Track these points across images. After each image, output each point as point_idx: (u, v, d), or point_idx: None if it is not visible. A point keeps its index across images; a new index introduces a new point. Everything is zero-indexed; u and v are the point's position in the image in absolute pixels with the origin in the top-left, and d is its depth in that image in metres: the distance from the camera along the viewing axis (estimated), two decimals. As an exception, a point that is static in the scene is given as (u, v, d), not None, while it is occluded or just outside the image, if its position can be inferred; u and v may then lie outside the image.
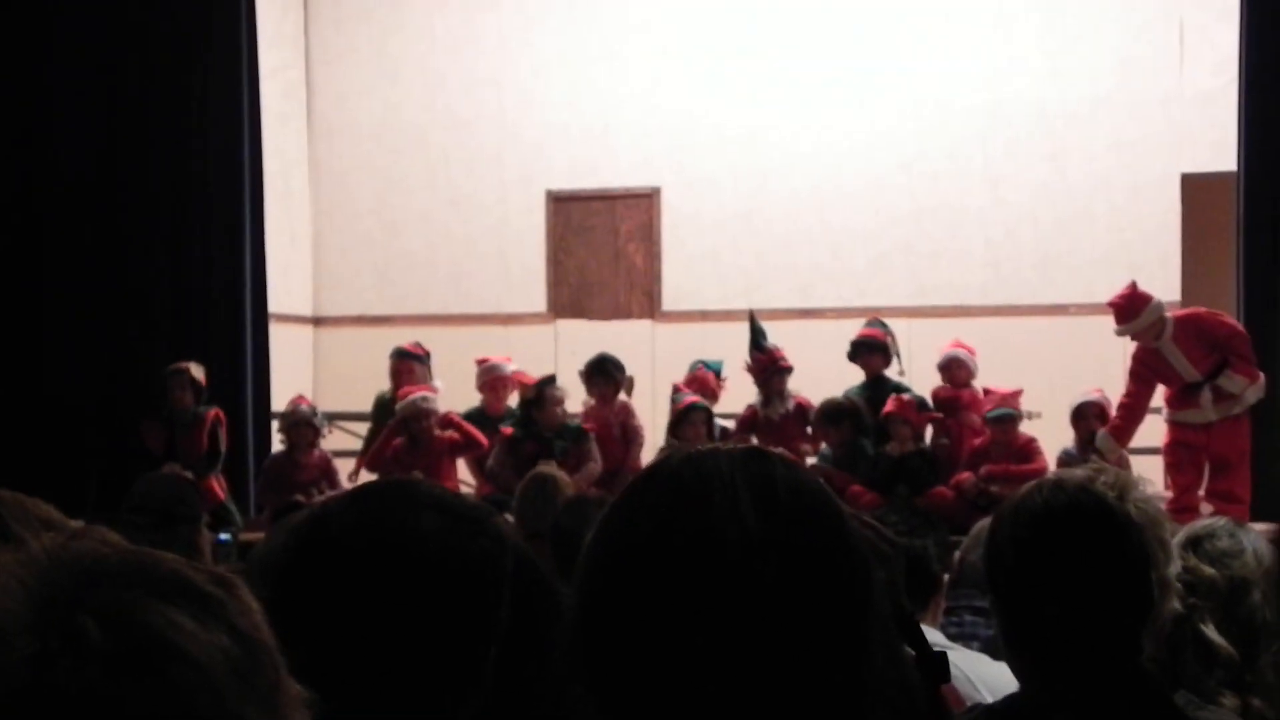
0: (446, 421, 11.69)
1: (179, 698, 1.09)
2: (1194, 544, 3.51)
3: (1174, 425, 11.13)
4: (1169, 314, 11.03)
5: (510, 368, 12.35)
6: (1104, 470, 2.98)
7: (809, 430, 11.73)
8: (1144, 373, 11.11)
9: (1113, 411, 11.15)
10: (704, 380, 12.02)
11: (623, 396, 12.11)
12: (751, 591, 1.51)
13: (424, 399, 11.60)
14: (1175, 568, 3.00)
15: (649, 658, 1.52)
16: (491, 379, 12.32)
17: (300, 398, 12.21)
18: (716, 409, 11.96)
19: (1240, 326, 11.05)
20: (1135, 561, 2.80)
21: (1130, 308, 10.94)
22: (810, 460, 11.67)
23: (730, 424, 12.05)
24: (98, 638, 1.08)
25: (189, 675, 1.11)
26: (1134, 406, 11.13)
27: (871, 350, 11.88)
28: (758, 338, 12.08)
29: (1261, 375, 10.82)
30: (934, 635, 4.25)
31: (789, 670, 1.51)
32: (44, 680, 1.06)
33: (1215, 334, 10.87)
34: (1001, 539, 2.91)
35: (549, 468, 8.79)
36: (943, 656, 2.03)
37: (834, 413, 11.40)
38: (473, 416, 12.25)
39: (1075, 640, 2.78)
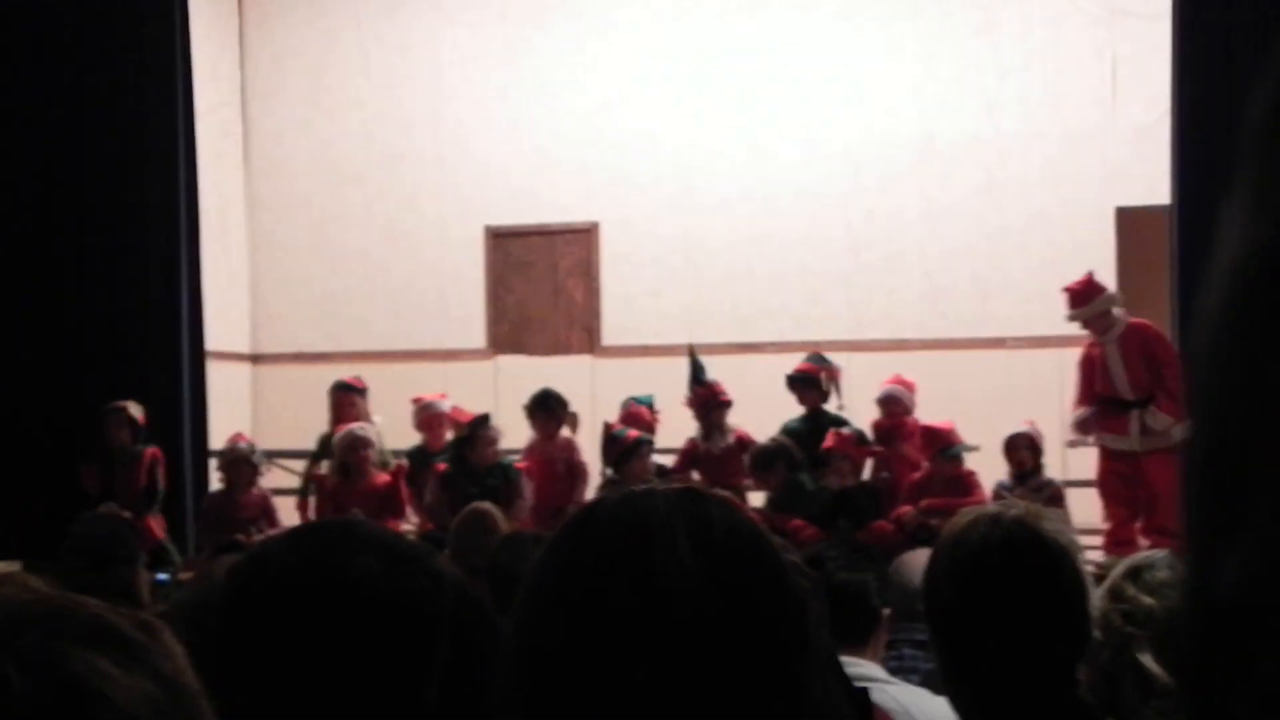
0: (396, 470, 11.68)
1: None
2: (1133, 574, 3.53)
3: (1104, 453, 11.23)
4: (1123, 314, 11.17)
5: (446, 405, 12.33)
6: (1013, 504, 3.01)
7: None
8: (1086, 370, 11.26)
9: (1043, 444, 11.26)
10: (638, 415, 12.02)
11: (566, 432, 12.10)
12: (690, 630, 1.51)
13: (361, 428, 11.58)
14: (1100, 589, 3.03)
15: (588, 695, 1.52)
16: (427, 417, 12.29)
17: (239, 435, 12.16)
18: (656, 444, 11.98)
19: (1176, 355, 11.15)
20: (1071, 591, 2.83)
21: (1083, 294, 11.18)
22: (754, 497, 11.70)
23: (669, 460, 12.05)
24: (19, 685, 1.08)
25: (113, 719, 1.10)
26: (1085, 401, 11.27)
27: (806, 385, 11.93)
28: (697, 372, 12.13)
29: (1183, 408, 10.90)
30: (873, 670, 4.25)
31: (727, 706, 1.52)
32: None
33: (1158, 354, 11.00)
34: (940, 574, 2.92)
35: (483, 505, 8.76)
36: (863, 693, 2.04)
37: (764, 458, 11.42)
38: (413, 454, 12.23)
39: (1014, 673, 2.80)
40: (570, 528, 1.64)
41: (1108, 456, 11.26)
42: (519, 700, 1.58)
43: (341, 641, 1.89)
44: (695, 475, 11.97)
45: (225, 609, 1.97)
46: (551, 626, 1.57)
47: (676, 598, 1.52)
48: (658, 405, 12.23)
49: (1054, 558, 2.82)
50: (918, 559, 5.32)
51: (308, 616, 1.91)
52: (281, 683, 1.89)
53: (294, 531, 2.11)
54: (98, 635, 1.14)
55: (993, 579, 2.82)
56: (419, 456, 12.18)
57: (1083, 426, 11.33)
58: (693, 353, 12.29)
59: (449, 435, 12.19)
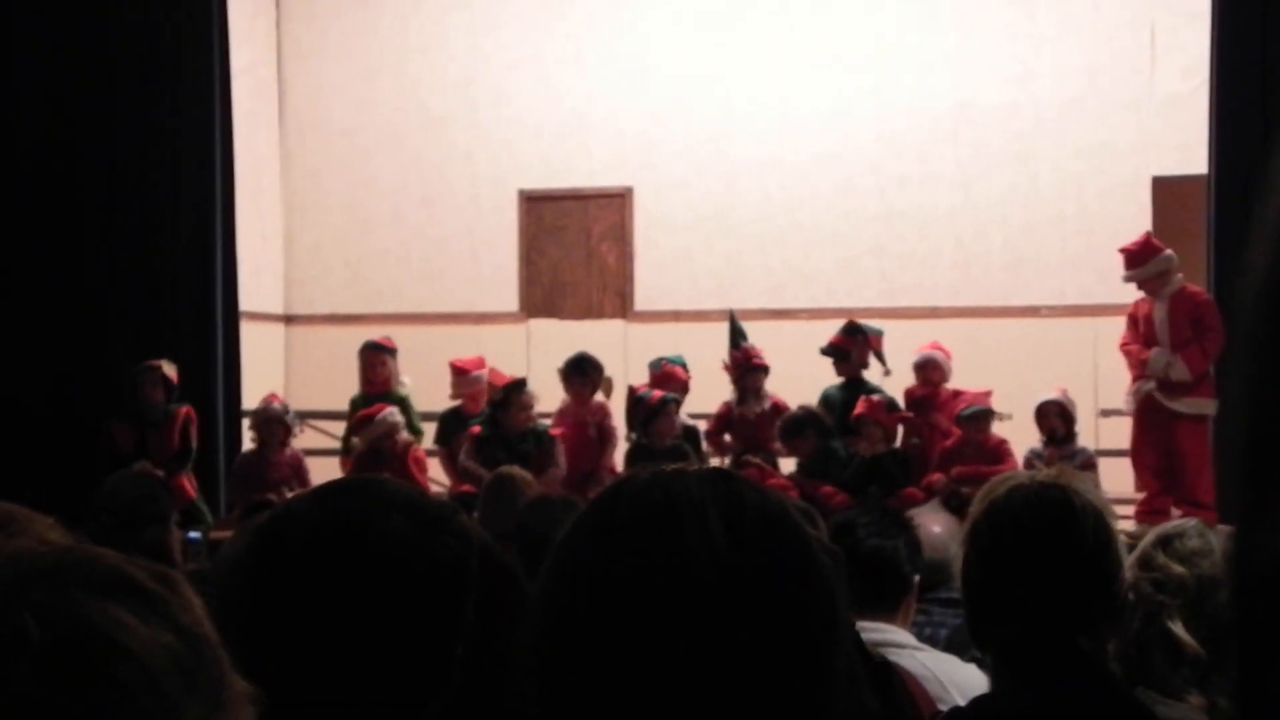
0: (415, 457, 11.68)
1: (122, 694, 1.09)
2: (1164, 543, 3.52)
3: (1137, 423, 11.20)
4: (1181, 278, 11.15)
5: (485, 374, 12.31)
6: (1042, 471, 3.02)
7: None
8: (1132, 323, 11.24)
9: (1075, 411, 11.25)
10: (672, 374, 12.02)
11: (600, 397, 12.09)
12: (721, 614, 1.50)
13: (391, 414, 11.57)
14: (1128, 557, 3.03)
15: (614, 677, 1.51)
16: (474, 390, 12.26)
17: (272, 395, 12.20)
18: (689, 409, 11.98)
19: (1222, 331, 11.07)
20: (1101, 552, 2.83)
21: (1140, 254, 11.18)
22: (786, 464, 11.69)
23: (700, 423, 12.05)
24: (37, 636, 1.08)
25: (131, 671, 1.10)
26: (1132, 348, 11.25)
27: (839, 357, 11.90)
28: (737, 337, 12.10)
29: (1206, 368, 10.92)
30: (903, 636, 4.25)
31: (756, 691, 1.50)
32: None
33: (1205, 319, 10.97)
34: (973, 538, 2.94)
35: (512, 469, 8.78)
36: (885, 665, 2.04)
37: (793, 426, 11.40)
38: (448, 417, 12.24)
39: (1044, 635, 2.80)
40: (598, 506, 1.62)
41: (1140, 428, 11.23)
42: (538, 677, 1.57)
43: (367, 599, 1.89)
44: (728, 439, 11.98)
45: (251, 566, 1.98)
46: (577, 610, 1.55)
47: (706, 579, 1.50)
48: (688, 366, 12.23)
49: (1083, 519, 2.83)
50: (923, 519, 5.31)
51: (333, 574, 1.91)
52: (307, 640, 1.89)
53: (320, 489, 2.11)
54: (115, 586, 1.14)
55: (1023, 540, 2.83)
56: (453, 419, 12.20)
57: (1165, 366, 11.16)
58: (733, 317, 12.29)
59: (485, 401, 12.19)
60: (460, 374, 12.33)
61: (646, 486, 1.60)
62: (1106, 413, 13.00)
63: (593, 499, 1.66)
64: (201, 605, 1.20)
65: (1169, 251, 11.20)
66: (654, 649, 1.49)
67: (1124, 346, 11.36)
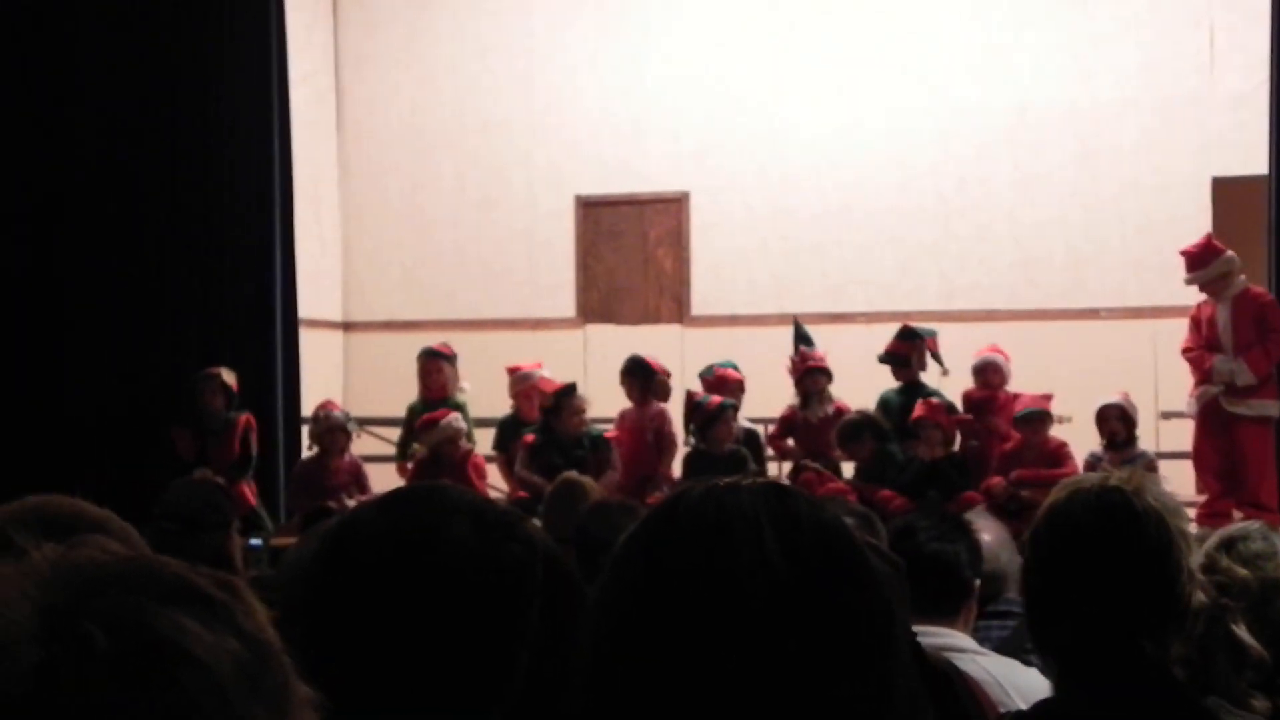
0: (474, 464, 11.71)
1: (187, 701, 1.09)
2: (1227, 545, 3.50)
3: (1199, 427, 11.12)
4: (1244, 279, 11.05)
5: (540, 374, 12.35)
6: (1114, 474, 3.00)
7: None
8: (1195, 326, 11.14)
9: (1136, 415, 11.17)
10: (725, 377, 11.99)
11: (660, 403, 12.05)
12: (774, 628, 1.49)
13: (456, 420, 11.60)
14: (1198, 558, 3.01)
15: (665, 688, 1.50)
16: (525, 388, 12.30)
17: (330, 402, 12.23)
18: (747, 411, 11.96)
19: None
20: (1160, 552, 2.82)
21: (1201, 257, 11.07)
22: (848, 468, 11.67)
23: (761, 427, 12.03)
24: (103, 644, 1.08)
25: (197, 678, 1.10)
26: (1195, 353, 11.17)
27: (898, 363, 11.86)
28: (800, 341, 12.07)
29: (1270, 370, 10.84)
30: (964, 641, 4.24)
31: (809, 705, 1.50)
32: (50, 689, 1.05)
33: (1270, 319, 10.88)
34: (1036, 543, 2.93)
35: (575, 475, 8.81)
36: (944, 678, 2.03)
37: (850, 431, 11.37)
38: (506, 423, 12.27)
39: (1106, 641, 2.79)
40: (654, 518, 1.62)
41: (1202, 431, 11.15)
42: (590, 682, 1.56)
43: (433, 606, 1.90)
44: (791, 443, 11.96)
45: (317, 572, 1.98)
46: (629, 616, 1.54)
47: (758, 593, 1.50)
48: (743, 371, 12.20)
49: (1144, 521, 2.82)
50: (980, 523, 5.28)
51: (399, 580, 1.91)
52: (371, 646, 1.89)
53: (386, 496, 2.11)
54: (180, 593, 1.15)
55: (1083, 543, 2.82)
56: (510, 425, 12.22)
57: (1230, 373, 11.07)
58: (797, 323, 12.27)
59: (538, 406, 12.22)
60: (513, 372, 12.37)
61: (701, 500, 1.59)
62: (1167, 415, 12.93)
63: (649, 511, 1.65)
64: (264, 611, 1.21)
65: (1230, 253, 11.10)
66: (705, 661, 1.49)
67: (1186, 351, 11.26)
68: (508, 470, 12.06)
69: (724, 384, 11.91)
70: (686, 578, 1.53)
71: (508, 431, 12.19)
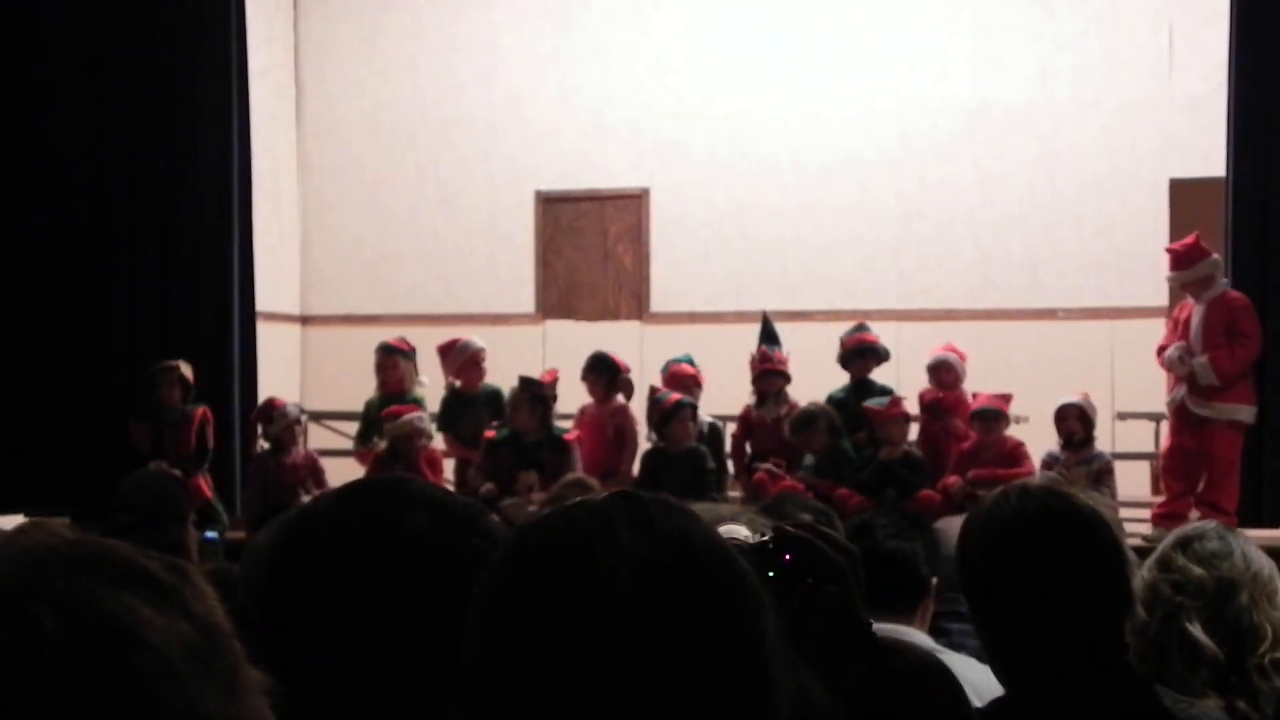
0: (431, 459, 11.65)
1: (140, 682, 1.09)
2: (1183, 545, 3.52)
3: (1173, 426, 11.13)
4: (1226, 283, 11.04)
5: (478, 342, 12.29)
6: (1054, 478, 3.01)
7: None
8: (1175, 322, 11.15)
9: (1095, 416, 11.18)
10: (679, 373, 11.94)
11: (621, 399, 12.02)
12: (638, 621, 1.49)
13: (419, 418, 11.54)
14: (1154, 555, 3.03)
15: (542, 694, 1.50)
16: (469, 358, 12.22)
17: (275, 400, 12.11)
18: (710, 410, 11.93)
19: (1258, 337, 10.97)
20: (1108, 555, 2.82)
21: (1186, 256, 11.01)
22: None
23: (719, 422, 12.00)
24: (53, 626, 1.08)
25: (149, 660, 1.10)
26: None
27: (867, 355, 11.85)
28: (765, 338, 12.01)
29: (1235, 372, 10.86)
30: (923, 639, 4.24)
31: (684, 704, 1.49)
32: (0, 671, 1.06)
33: (1240, 325, 10.87)
34: (972, 548, 2.92)
35: (579, 475, 8.80)
36: (916, 675, 2.03)
37: (804, 419, 11.35)
38: (448, 400, 12.19)
39: (1059, 642, 2.79)
40: (508, 542, 1.63)
41: (1176, 430, 11.15)
42: (473, 701, 1.56)
43: (392, 598, 1.89)
44: (747, 448, 11.92)
45: (277, 562, 1.98)
46: (502, 641, 1.54)
47: (619, 586, 1.49)
48: (701, 367, 12.14)
49: (1087, 522, 2.82)
50: (954, 528, 5.30)
51: (358, 572, 1.91)
52: (330, 636, 1.89)
53: (347, 487, 2.11)
54: (129, 576, 1.15)
55: (1026, 546, 2.82)
56: (454, 401, 12.16)
57: (1178, 362, 11.09)
58: (766, 319, 12.20)
59: (485, 378, 12.14)
60: (443, 353, 12.29)
61: (549, 516, 1.60)
62: (1123, 415, 12.98)
63: (506, 539, 1.66)
64: (214, 596, 1.21)
65: (1216, 255, 11.05)
66: (577, 665, 1.48)
67: (1160, 350, 11.23)
68: (455, 448, 12.03)
69: (680, 379, 11.87)
70: (545, 582, 1.53)
71: (451, 408, 12.12)
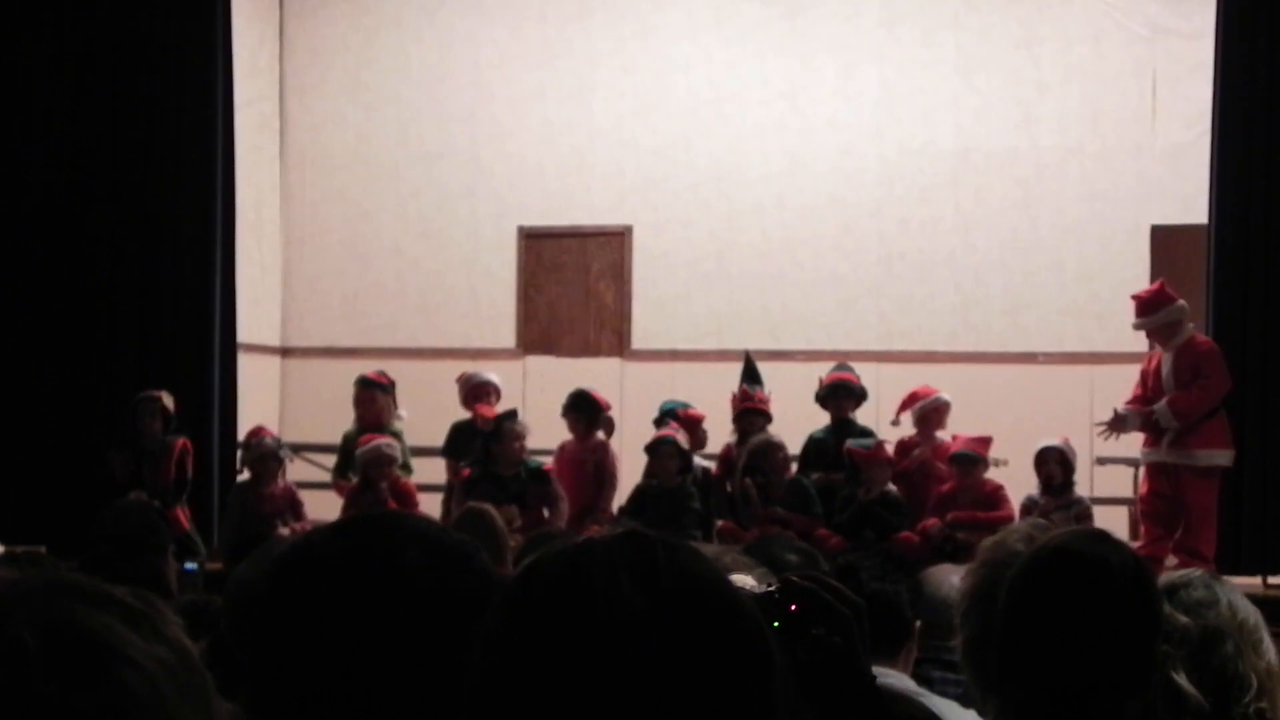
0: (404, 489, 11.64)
1: (129, 700, 1.09)
2: (1169, 592, 3.51)
3: (1149, 471, 11.19)
4: (1192, 328, 11.13)
5: (490, 374, 12.35)
6: (1039, 525, 3.01)
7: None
8: (1143, 377, 11.22)
9: (1075, 460, 11.22)
10: (693, 417, 11.88)
11: (601, 435, 12.03)
12: (639, 671, 1.49)
13: (388, 445, 11.55)
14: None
15: None
16: (472, 387, 12.28)
17: (261, 428, 12.14)
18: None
19: (1220, 379, 11.06)
20: (1150, 619, 2.82)
21: (1152, 302, 11.13)
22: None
23: (711, 465, 11.99)
24: (35, 646, 1.08)
25: (135, 676, 1.10)
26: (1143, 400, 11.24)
27: (843, 395, 11.85)
28: (747, 377, 11.99)
29: (1193, 413, 10.93)
30: (904, 681, 4.24)
31: None
32: None
33: (1203, 369, 10.96)
34: (982, 596, 2.91)
35: (479, 504, 8.79)
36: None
37: (761, 450, 11.35)
38: (460, 426, 12.20)
39: (1065, 703, 2.79)
40: (512, 586, 1.62)
41: (1151, 476, 11.21)
42: None
43: (383, 634, 1.89)
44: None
45: (269, 598, 1.97)
46: (503, 686, 1.55)
47: (622, 638, 1.49)
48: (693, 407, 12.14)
49: (1131, 585, 2.82)
50: (941, 574, 5.30)
51: (351, 609, 1.90)
52: (322, 672, 1.88)
53: (341, 522, 2.11)
54: (105, 602, 1.15)
55: (1065, 604, 2.80)
56: (465, 433, 12.14)
57: (1120, 423, 11.20)
58: (749, 358, 12.21)
59: (498, 408, 12.15)
60: (461, 379, 12.40)
61: (555, 559, 1.60)
62: (1102, 460, 12.99)
63: (508, 582, 1.66)
64: (181, 623, 1.21)
65: (1181, 302, 11.15)
66: (576, 713, 1.48)
67: (1131, 404, 11.28)
68: (455, 477, 12.03)
69: (694, 423, 11.82)
70: (548, 625, 1.53)
71: (464, 437, 12.12)
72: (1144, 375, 11.30)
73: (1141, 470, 11.51)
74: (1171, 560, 10.25)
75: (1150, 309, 11.17)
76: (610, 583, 1.53)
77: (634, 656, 1.49)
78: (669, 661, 1.50)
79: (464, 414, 12.36)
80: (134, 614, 1.15)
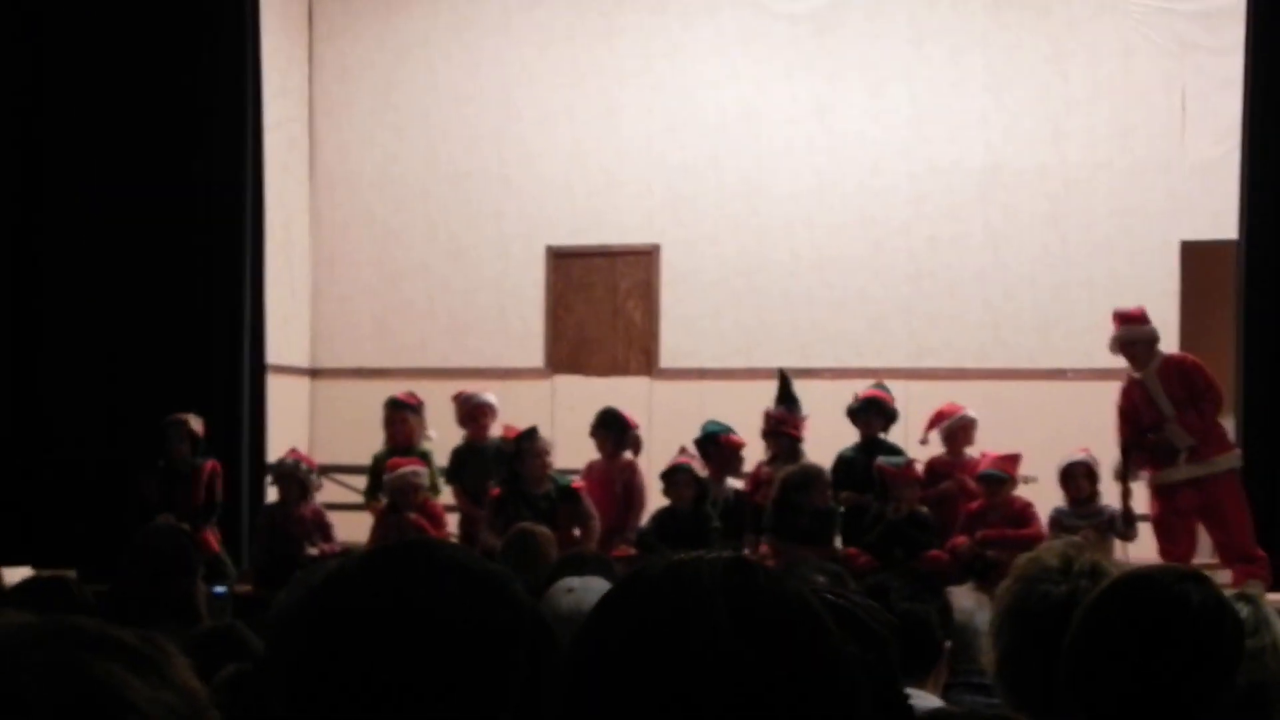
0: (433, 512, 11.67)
1: None
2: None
3: (1158, 493, 11.21)
4: (1162, 349, 11.18)
5: (489, 396, 12.36)
6: (1074, 544, 2.99)
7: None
8: (1126, 406, 11.26)
9: (1101, 471, 11.23)
10: (733, 443, 11.87)
11: (629, 455, 12.02)
12: (727, 710, 1.48)
13: (414, 473, 11.56)
14: None
15: None
16: (470, 409, 12.30)
17: (293, 451, 12.17)
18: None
19: (1217, 385, 11.18)
20: (1225, 661, 2.79)
21: (1130, 319, 11.16)
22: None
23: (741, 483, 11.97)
24: (38, 695, 1.07)
25: None
26: (1126, 444, 11.24)
27: (878, 412, 11.83)
28: (784, 398, 11.95)
29: (1207, 427, 10.99)
30: (934, 702, 4.22)
31: None
32: None
33: (1197, 382, 11.03)
34: (1088, 647, 2.86)
35: (532, 526, 8.77)
36: None
37: (802, 479, 11.32)
38: (461, 450, 12.22)
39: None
40: (612, 597, 1.63)
41: (1159, 496, 11.24)
42: None
43: (416, 667, 1.88)
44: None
45: (301, 632, 1.96)
46: (590, 700, 1.55)
47: (713, 677, 1.49)
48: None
49: (1216, 622, 2.79)
50: (954, 598, 5.27)
51: (383, 643, 1.89)
52: (356, 708, 1.87)
53: (374, 551, 2.09)
54: (111, 647, 1.14)
55: (1133, 642, 2.78)
56: (466, 451, 12.18)
57: (1125, 471, 11.27)
58: (785, 378, 12.15)
59: (496, 429, 12.17)
60: (457, 398, 12.37)
61: (659, 577, 1.59)
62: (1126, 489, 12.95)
63: (612, 589, 1.65)
64: (189, 665, 1.21)
65: (1155, 330, 11.35)
66: None
67: (1124, 448, 11.30)
68: (463, 500, 12.04)
69: (732, 449, 11.82)
70: (639, 655, 1.53)
71: (462, 459, 12.15)
72: (1133, 409, 11.29)
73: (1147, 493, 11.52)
74: (1226, 574, 10.25)
75: (1142, 320, 11.27)
76: (707, 616, 1.53)
77: (715, 695, 1.49)
78: (751, 704, 1.50)
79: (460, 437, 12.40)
80: (140, 659, 1.15)
